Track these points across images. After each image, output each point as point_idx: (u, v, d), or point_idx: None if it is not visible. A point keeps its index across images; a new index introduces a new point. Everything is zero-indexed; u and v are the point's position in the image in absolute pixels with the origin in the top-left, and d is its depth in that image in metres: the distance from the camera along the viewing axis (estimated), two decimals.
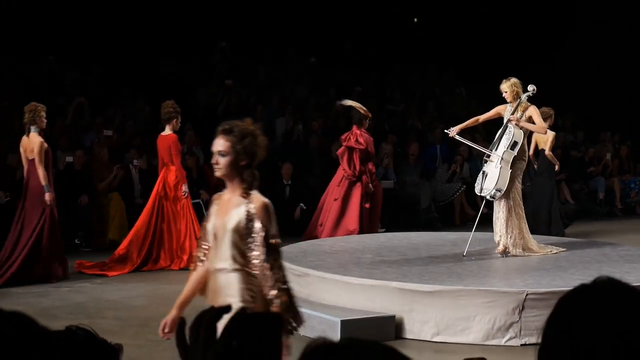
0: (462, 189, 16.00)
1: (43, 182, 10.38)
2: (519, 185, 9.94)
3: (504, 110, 10.09)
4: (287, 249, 10.36)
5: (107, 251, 12.72)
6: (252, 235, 4.62)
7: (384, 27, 22.39)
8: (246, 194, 4.76)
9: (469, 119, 10.48)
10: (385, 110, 19.19)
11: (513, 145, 9.84)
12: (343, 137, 12.49)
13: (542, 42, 22.29)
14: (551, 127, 12.63)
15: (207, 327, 1.53)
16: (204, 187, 14.24)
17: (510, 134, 9.87)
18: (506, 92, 9.94)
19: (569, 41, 22.10)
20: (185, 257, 11.20)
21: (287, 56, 20.68)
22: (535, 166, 13.77)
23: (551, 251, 10.09)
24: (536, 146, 13.45)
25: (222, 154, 4.92)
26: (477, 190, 10.12)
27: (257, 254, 4.65)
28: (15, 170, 13.09)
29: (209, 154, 15.76)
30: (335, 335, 7.28)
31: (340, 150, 12.47)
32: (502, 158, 9.80)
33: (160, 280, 10.74)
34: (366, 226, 12.23)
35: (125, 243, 11.37)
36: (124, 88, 17.04)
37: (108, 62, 17.55)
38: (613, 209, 18.11)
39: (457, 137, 10.31)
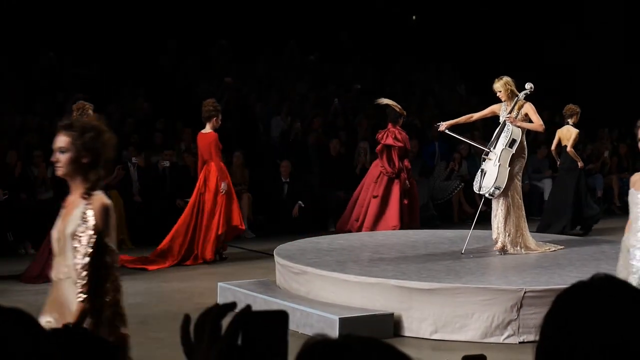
0: (461, 186, 16.01)
1: None
2: (518, 183, 9.94)
3: (499, 109, 10.09)
4: (285, 247, 10.37)
5: None
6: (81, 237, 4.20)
7: (383, 24, 22.38)
8: (87, 195, 4.36)
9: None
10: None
11: (511, 143, 9.84)
12: (379, 135, 12.73)
13: (540, 40, 22.28)
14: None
15: (211, 324, 1.53)
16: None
17: (509, 132, 9.87)
18: (500, 91, 9.93)
19: (567, 39, 22.10)
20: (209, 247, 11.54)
21: (287, 53, 20.67)
22: (558, 163, 13.90)
23: (549, 249, 10.09)
24: (559, 142, 13.59)
25: (62, 150, 4.48)
26: (475, 188, 10.12)
27: (79, 258, 4.24)
28: (14, 168, 13.08)
29: None
30: (334, 333, 7.29)
31: (378, 148, 12.70)
32: (500, 156, 9.80)
33: (158, 278, 10.74)
34: (406, 222, 12.46)
35: (167, 238, 11.57)
36: (124, 85, 17.03)
37: (108, 59, 17.53)
38: (611, 206, 18.11)
39: (446, 131, 10.32)
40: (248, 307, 1.54)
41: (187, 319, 1.57)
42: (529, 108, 9.89)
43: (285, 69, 20.17)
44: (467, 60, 21.59)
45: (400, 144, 12.50)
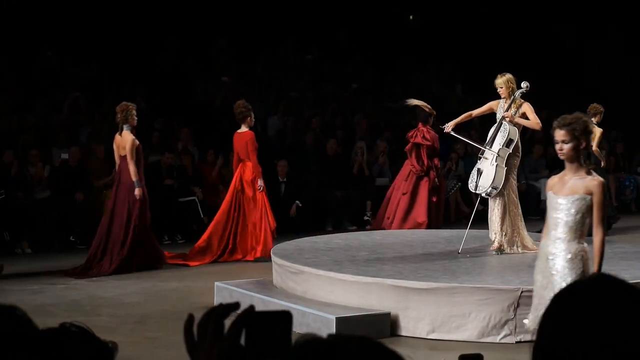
0: (458, 186, 16.01)
1: (134, 177, 10.89)
2: (514, 182, 9.95)
3: (497, 106, 10.09)
4: (282, 246, 10.37)
5: None
6: None
7: (382, 24, 22.38)
8: None
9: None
10: (382, 107, 19.18)
11: (508, 142, 9.84)
12: (410, 134, 12.93)
13: (537, 39, 22.29)
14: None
15: (214, 324, 1.54)
16: (200, 185, 14.23)
17: (506, 132, 9.86)
18: (501, 87, 9.93)
19: (565, 39, 22.11)
20: (259, 248, 11.72)
21: (285, 53, 20.67)
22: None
23: None
24: None
25: None
26: (471, 188, 10.11)
27: None
28: (10, 167, 13.07)
29: (205, 151, 15.86)
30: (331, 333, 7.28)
31: (408, 147, 12.91)
32: (497, 155, 9.79)
33: (156, 278, 10.74)
34: (434, 219, 12.67)
35: (205, 236, 11.86)
36: (121, 84, 17.02)
37: (106, 58, 17.52)
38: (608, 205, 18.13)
39: (452, 132, 10.35)
40: (251, 307, 1.55)
41: (190, 318, 1.58)
42: (527, 107, 9.90)
43: (282, 69, 20.17)
44: (465, 59, 21.59)
45: (429, 143, 12.72)
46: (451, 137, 10.89)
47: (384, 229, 12.59)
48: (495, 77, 10.04)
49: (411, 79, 21.50)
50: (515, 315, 7.82)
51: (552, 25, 22.22)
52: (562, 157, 5.79)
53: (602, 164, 13.87)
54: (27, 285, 10.21)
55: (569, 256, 5.78)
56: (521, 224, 9.95)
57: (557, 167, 18.11)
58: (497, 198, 9.79)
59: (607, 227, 14.28)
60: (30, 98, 15.56)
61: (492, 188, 9.72)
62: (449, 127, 10.25)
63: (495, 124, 10.02)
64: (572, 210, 5.72)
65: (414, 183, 12.74)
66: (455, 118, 10.50)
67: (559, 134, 5.74)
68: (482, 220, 10.63)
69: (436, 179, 12.81)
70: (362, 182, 15.64)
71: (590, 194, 5.69)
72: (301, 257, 9.45)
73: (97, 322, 8.00)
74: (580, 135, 5.69)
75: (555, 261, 5.81)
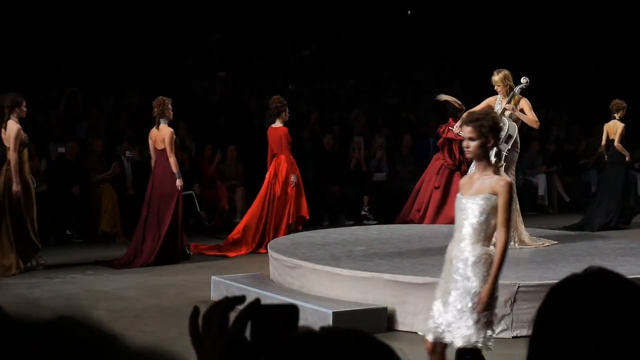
0: None
1: (174, 169, 11.16)
2: (512, 178, 9.94)
3: (494, 102, 10.09)
4: (279, 241, 10.37)
5: (99, 243, 12.72)
6: None
7: (379, 20, 22.37)
8: None
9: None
10: (379, 103, 19.18)
11: (507, 138, 9.83)
12: (441, 129, 13.07)
13: (535, 36, 22.29)
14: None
15: (219, 316, 1.54)
16: (197, 180, 14.22)
17: (505, 127, 9.86)
18: (498, 85, 9.93)
19: (567, 38, 22.12)
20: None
21: (282, 48, 20.66)
22: (606, 157, 14.16)
23: (543, 244, 10.10)
24: (607, 137, 13.91)
25: None
26: None
27: None
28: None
29: (202, 147, 15.88)
30: None
31: (440, 142, 13.08)
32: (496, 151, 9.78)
33: (152, 272, 10.74)
34: None
35: (239, 228, 12.16)
36: (118, 79, 17.01)
37: (103, 54, 17.50)
38: None
39: (461, 133, 10.37)
40: (257, 300, 1.55)
41: (196, 310, 1.58)
42: (525, 104, 9.89)
43: (280, 64, 20.16)
44: (463, 57, 21.59)
45: (460, 138, 12.75)
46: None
47: (412, 221, 12.70)
48: (493, 72, 10.04)
49: (409, 75, 21.51)
50: (512, 310, 7.83)
51: (552, 24, 22.22)
52: (468, 155, 5.50)
53: (627, 158, 14.10)
54: (24, 279, 10.21)
55: (473, 260, 5.35)
56: (519, 219, 9.95)
57: (554, 163, 18.16)
58: None
59: (626, 221, 14.48)
60: (27, 93, 15.53)
61: None
62: (458, 127, 10.32)
63: None
64: (477, 212, 5.33)
65: (447, 177, 12.95)
66: (453, 116, 10.53)
67: (466, 131, 5.44)
68: None
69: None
70: (359, 178, 15.64)
71: (496, 194, 5.32)
72: (298, 252, 9.45)
73: (94, 317, 7.98)
74: (487, 132, 5.37)
75: (459, 265, 5.39)
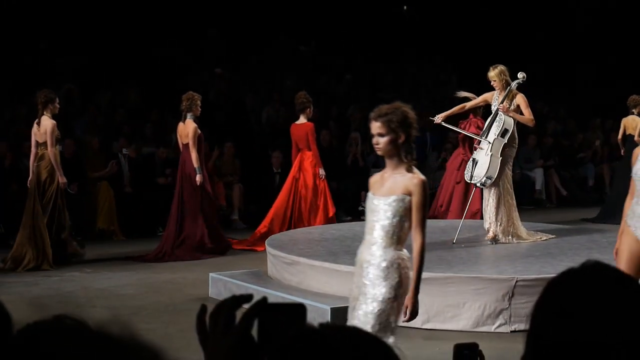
0: None
1: (195, 164, 11.32)
2: (509, 173, 9.96)
3: (492, 98, 10.10)
4: (277, 237, 10.38)
5: (96, 240, 12.72)
6: None
7: (375, 15, 22.35)
8: None
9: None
10: (376, 98, 19.16)
11: (503, 132, 9.84)
12: (462, 125, 12.97)
13: (532, 30, 22.29)
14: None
15: (226, 314, 1.55)
16: None
17: (501, 122, 9.87)
18: (495, 80, 9.94)
19: (560, 30, 22.11)
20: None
21: (278, 44, 20.64)
22: (622, 151, 14.22)
23: (540, 238, 10.11)
24: (624, 131, 13.97)
25: None
26: (466, 178, 10.14)
27: None
28: (4, 159, 13.05)
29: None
30: None
31: (461, 136, 13.07)
32: (492, 145, 9.80)
33: (149, 270, 10.74)
34: None
35: (266, 222, 12.24)
36: (115, 75, 16.99)
37: (99, 50, 17.48)
38: (602, 195, 18.15)
39: (443, 123, 10.37)
40: (264, 298, 1.55)
41: (203, 308, 1.60)
42: (522, 100, 9.89)
43: (276, 60, 20.15)
44: (458, 50, 21.58)
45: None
46: (445, 128, 10.89)
47: (435, 217, 12.66)
48: (489, 68, 10.04)
49: (406, 70, 21.50)
50: (510, 304, 7.84)
51: (542, 15, 22.22)
52: (379, 153, 5.08)
53: None
54: (22, 277, 10.21)
55: (384, 264, 4.94)
56: (515, 214, 9.96)
57: (551, 157, 18.16)
58: (492, 188, 9.80)
59: None
60: (22, 90, 15.52)
61: (487, 178, 9.73)
62: (439, 118, 10.26)
63: (492, 115, 10.04)
64: (389, 213, 4.93)
65: None
66: (450, 108, 10.51)
67: (374, 127, 4.99)
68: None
69: None
70: (357, 173, 15.64)
71: (410, 194, 4.92)
72: (296, 248, 9.46)
73: (92, 314, 7.99)
74: (397, 127, 4.94)
75: (369, 270, 4.98)
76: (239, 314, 1.56)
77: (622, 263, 6.30)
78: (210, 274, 9.35)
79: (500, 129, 9.85)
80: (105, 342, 1.26)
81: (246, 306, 1.57)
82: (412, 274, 4.98)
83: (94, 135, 14.03)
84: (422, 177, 5.00)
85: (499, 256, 9.34)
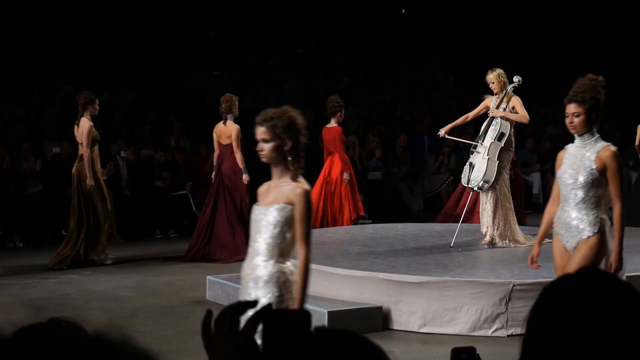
0: (450, 179, 16.03)
1: (241, 164, 11.55)
2: (506, 176, 9.97)
3: (491, 102, 10.13)
4: None
5: None
6: None
7: (374, 17, 22.37)
8: None
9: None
10: (374, 101, 19.19)
11: (500, 136, 9.86)
12: None
13: (529, 33, 22.31)
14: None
15: (230, 319, 1.56)
16: (192, 179, 14.21)
17: (497, 125, 9.89)
18: (493, 82, 9.97)
19: (557, 34, 22.14)
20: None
21: (277, 45, 20.65)
22: None
23: None
24: None
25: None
26: (464, 182, 10.14)
27: None
28: (2, 161, 13.04)
29: (197, 145, 15.85)
30: None
31: None
32: (489, 149, 9.81)
33: (147, 272, 10.73)
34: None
35: None
36: (113, 77, 16.99)
37: (97, 51, 17.48)
38: None
39: (447, 136, 10.44)
40: (269, 305, 1.56)
41: (209, 313, 1.62)
42: (516, 101, 9.93)
43: (275, 61, 20.16)
44: (455, 53, 21.60)
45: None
46: (449, 140, 10.91)
47: (458, 216, 12.63)
48: (487, 71, 10.08)
49: (404, 72, 21.51)
50: (507, 308, 7.84)
51: (540, 17, 22.25)
52: (263, 159, 4.78)
53: None
54: (19, 279, 10.20)
55: (265, 279, 4.69)
56: (513, 218, 9.97)
57: (548, 160, 18.17)
58: (489, 192, 9.81)
59: None
60: (20, 91, 15.53)
61: (484, 182, 9.74)
62: (442, 131, 10.31)
63: (488, 118, 10.05)
64: (270, 225, 4.68)
65: None
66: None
67: (259, 131, 4.72)
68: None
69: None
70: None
71: (292, 203, 4.64)
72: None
73: (89, 316, 7.99)
74: (282, 133, 4.65)
75: (249, 284, 4.74)
76: (244, 320, 1.58)
77: (558, 267, 6.19)
78: (208, 277, 9.35)
79: (497, 132, 9.86)
80: (99, 345, 1.26)
81: (251, 312, 1.58)
82: (295, 289, 4.68)
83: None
84: (307, 186, 4.72)
85: (496, 260, 9.34)
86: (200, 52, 19.29)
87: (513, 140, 10.07)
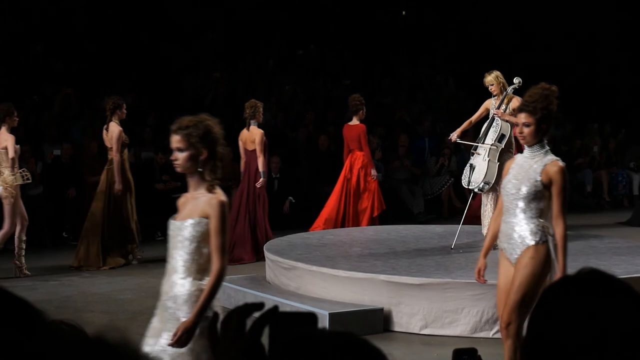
0: (450, 182, 16.03)
1: (261, 168, 11.64)
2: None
3: (491, 105, 10.13)
4: (276, 242, 10.37)
5: None
6: None
7: (373, 19, 22.38)
8: None
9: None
10: (374, 103, 19.17)
11: (500, 138, 9.86)
12: None
13: (531, 32, 22.32)
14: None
15: (236, 322, 1.57)
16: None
17: (498, 127, 9.89)
18: (492, 84, 9.98)
19: (556, 33, 22.14)
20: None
21: (276, 47, 20.65)
22: None
23: None
24: None
25: None
26: (464, 183, 10.13)
27: None
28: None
29: None
30: None
31: None
32: (489, 151, 9.81)
33: (148, 274, 10.72)
34: None
35: (319, 222, 12.51)
36: (113, 79, 16.98)
37: (97, 53, 17.48)
38: (600, 201, 18.17)
39: (459, 141, 10.45)
40: (275, 307, 1.57)
41: (215, 316, 1.62)
42: (517, 103, 9.89)
43: (274, 64, 20.16)
44: (455, 55, 21.60)
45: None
46: (443, 133, 10.90)
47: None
48: (486, 72, 10.09)
49: (403, 74, 21.51)
50: None
51: (538, 18, 22.26)
52: (177, 169, 4.60)
53: None
54: (20, 281, 10.20)
55: (184, 298, 4.46)
56: None
57: None
58: (490, 193, 9.81)
59: None
60: (20, 93, 15.52)
61: (485, 183, 9.74)
62: (454, 136, 10.32)
63: (488, 120, 10.06)
64: (186, 240, 4.45)
65: None
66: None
67: (173, 140, 4.56)
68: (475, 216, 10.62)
69: None
70: None
71: (207, 216, 4.44)
72: (294, 253, 9.45)
73: (90, 319, 7.99)
74: (197, 142, 4.48)
75: (168, 304, 4.51)
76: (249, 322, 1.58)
77: (500, 288, 5.90)
78: None
79: (497, 134, 9.86)
80: (100, 348, 1.26)
81: (257, 314, 1.58)
82: (214, 304, 4.46)
83: (92, 139, 14.02)
84: (223, 198, 4.50)
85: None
86: (200, 55, 19.28)
87: (513, 141, 10.06)
